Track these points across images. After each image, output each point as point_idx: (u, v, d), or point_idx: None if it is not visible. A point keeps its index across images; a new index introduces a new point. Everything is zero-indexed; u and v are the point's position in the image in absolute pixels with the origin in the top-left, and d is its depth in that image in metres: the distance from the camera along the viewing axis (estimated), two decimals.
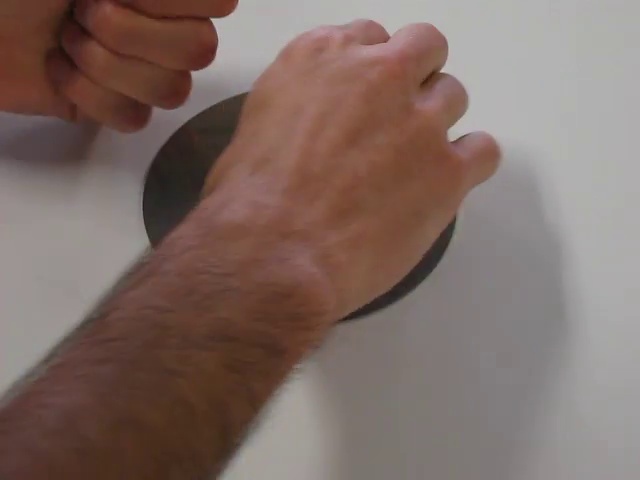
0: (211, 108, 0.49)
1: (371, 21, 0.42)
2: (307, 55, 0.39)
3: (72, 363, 0.29)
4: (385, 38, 0.41)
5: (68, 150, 0.48)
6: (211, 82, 0.50)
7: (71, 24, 0.43)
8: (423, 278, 0.43)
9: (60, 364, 0.29)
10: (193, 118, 0.49)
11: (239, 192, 0.35)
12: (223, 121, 0.49)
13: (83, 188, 0.47)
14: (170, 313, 0.30)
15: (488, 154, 0.41)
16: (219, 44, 0.48)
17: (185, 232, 0.33)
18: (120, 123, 0.45)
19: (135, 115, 0.45)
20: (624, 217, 0.46)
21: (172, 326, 0.30)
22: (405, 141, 0.37)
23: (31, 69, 0.44)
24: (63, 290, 0.43)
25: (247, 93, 0.49)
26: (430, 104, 0.39)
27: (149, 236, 0.45)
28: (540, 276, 0.44)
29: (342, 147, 0.36)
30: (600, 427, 0.40)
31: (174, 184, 0.47)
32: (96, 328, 0.30)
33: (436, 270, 0.43)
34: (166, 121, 0.49)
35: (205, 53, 0.43)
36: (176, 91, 0.44)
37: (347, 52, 0.39)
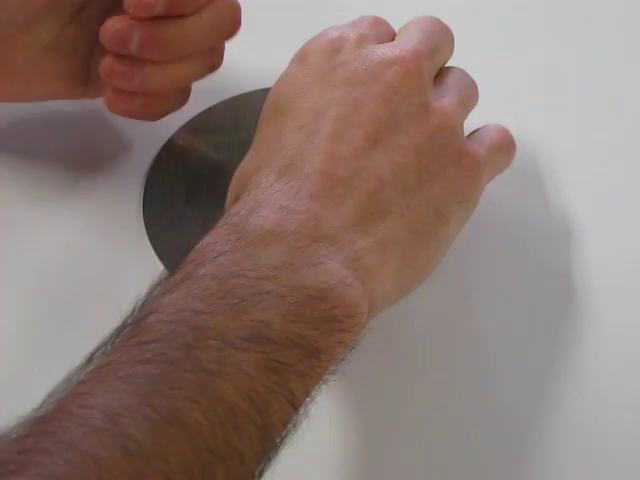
0: (211, 108, 0.49)
1: (376, 17, 0.42)
2: (323, 57, 0.39)
3: (112, 365, 0.29)
4: (392, 34, 0.41)
5: (68, 150, 0.48)
6: (211, 82, 0.49)
7: (104, 57, 0.43)
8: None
9: (100, 366, 0.30)
10: (193, 118, 0.49)
11: (266, 198, 0.35)
12: (222, 121, 0.49)
13: (83, 188, 0.46)
14: (207, 315, 0.31)
15: (504, 146, 0.41)
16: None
17: (217, 237, 0.34)
18: (170, 109, 0.46)
19: (182, 95, 0.46)
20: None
21: (210, 328, 0.30)
22: (425, 141, 0.37)
23: (30, 65, 0.44)
24: (63, 290, 0.43)
25: (247, 94, 0.50)
26: (445, 101, 0.39)
27: (149, 236, 0.45)
28: (541, 274, 0.44)
29: (365, 149, 0.36)
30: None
31: (174, 184, 0.47)
32: (134, 331, 0.31)
33: (436, 270, 0.43)
34: (166, 121, 0.48)
35: (238, 21, 0.44)
36: (215, 60, 0.45)
37: (362, 53, 0.39)
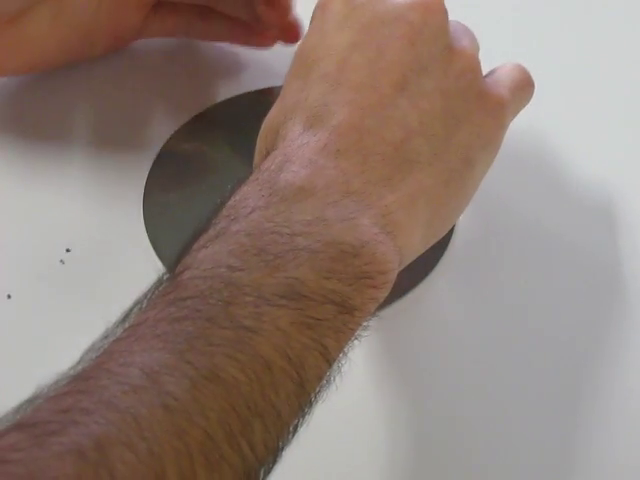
0: (211, 108, 0.49)
1: None
2: (342, 1, 0.38)
3: (149, 322, 0.29)
4: None
5: (69, 150, 0.48)
6: (211, 82, 0.50)
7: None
8: (423, 278, 0.43)
9: (137, 324, 0.30)
10: (193, 118, 0.49)
11: (294, 151, 0.35)
12: (223, 121, 0.49)
13: (83, 189, 0.46)
14: (242, 272, 0.30)
15: (523, 85, 0.40)
16: (219, 46, 0.48)
17: (249, 193, 0.33)
18: None
19: None
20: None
21: (245, 284, 0.30)
22: (450, 84, 0.37)
23: (41, 36, 0.45)
24: (63, 290, 0.43)
25: (247, 93, 0.50)
26: (466, 43, 0.38)
27: (149, 236, 0.45)
28: (540, 275, 0.44)
29: (391, 97, 0.36)
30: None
31: (174, 184, 0.47)
32: (170, 287, 0.31)
33: (436, 269, 0.43)
34: (167, 121, 0.49)
35: None
36: None
37: None
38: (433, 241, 0.38)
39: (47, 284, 0.43)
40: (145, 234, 0.45)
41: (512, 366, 0.41)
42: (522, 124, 0.42)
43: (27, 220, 0.45)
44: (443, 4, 0.38)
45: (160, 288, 0.31)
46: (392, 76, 0.36)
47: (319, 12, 0.39)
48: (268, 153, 0.36)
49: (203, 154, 0.48)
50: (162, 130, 0.48)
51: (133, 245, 0.44)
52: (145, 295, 0.31)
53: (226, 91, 0.50)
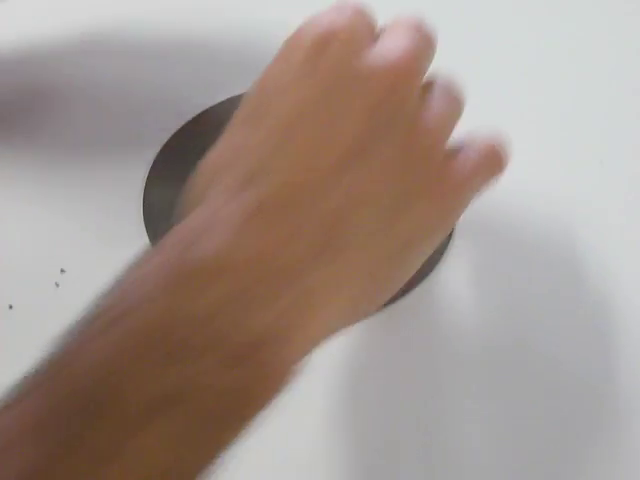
0: (211, 109, 0.49)
1: (358, 6, 0.37)
2: (308, 55, 0.35)
3: (13, 432, 0.28)
4: (374, 27, 0.37)
5: (68, 150, 0.48)
6: (211, 82, 0.50)
7: None
8: (423, 278, 0.43)
9: (15, 417, 0.28)
10: (193, 118, 0.49)
11: (220, 218, 0.32)
12: (223, 122, 0.49)
13: (83, 189, 0.47)
14: (128, 375, 0.29)
15: (492, 163, 0.37)
16: (220, 45, 0.48)
17: (154, 270, 0.31)
18: None
19: None
20: (629, 215, 0.46)
21: (127, 390, 0.28)
22: (404, 165, 0.34)
23: None
24: (62, 291, 0.43)
25: (247, 93, 0.50)
26: (432, 121, 0.35)
27: (149, 237, 0.45)
28: (540, 276, 0.44)
29: (336, 168, 0.33)
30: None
31: (174, 185, 0.47)
32: (44, 389, 0.29)
33: (436, 270, 0.43)
34: (166, 122, 0.49)
35: None
36: None
37: (351, 55, 0.35)
38: (358, 320, 0.36)
39: (47, 289, 0.43)
40: (145, 234, 0.45)
41: (512, 365, 0.41)
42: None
43: (26, 219, 0.45)
44: (411, 78, 0.35)
45: (35, 380, 0.29)
46: (342, 148, 0.33)
47: (281, 59, 0.36)
48: (195, 203, 0.34)
49: (203, 154, 0.48)
50: (162, 130, 0.48)
51: (133, 245, 0.44)
52: (23, 382, 0.29)
53: (227, 91, 0.50)
